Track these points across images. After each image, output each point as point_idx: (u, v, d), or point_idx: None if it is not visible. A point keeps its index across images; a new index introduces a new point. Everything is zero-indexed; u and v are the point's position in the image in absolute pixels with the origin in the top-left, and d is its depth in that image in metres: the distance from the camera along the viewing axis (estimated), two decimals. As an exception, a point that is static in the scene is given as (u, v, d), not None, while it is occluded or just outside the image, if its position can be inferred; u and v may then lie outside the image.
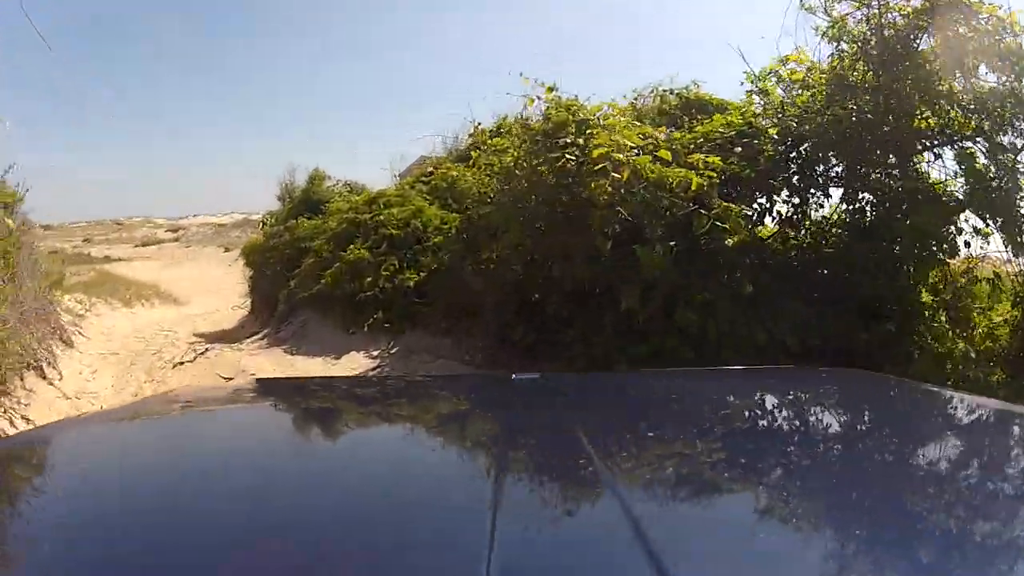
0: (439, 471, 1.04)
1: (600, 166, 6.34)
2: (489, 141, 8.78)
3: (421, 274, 8.19)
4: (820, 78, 7.04)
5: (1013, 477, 1.00)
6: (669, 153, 6.63)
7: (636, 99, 9.20)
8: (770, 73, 7.55)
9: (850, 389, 1.70)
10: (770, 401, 1.61)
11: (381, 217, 9.12)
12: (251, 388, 2.32)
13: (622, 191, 6.42)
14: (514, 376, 1.63)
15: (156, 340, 12.17)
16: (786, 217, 7.19)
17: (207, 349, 9.21)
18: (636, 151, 6.73)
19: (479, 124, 9.52)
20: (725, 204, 6.65)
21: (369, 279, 8.27)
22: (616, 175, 6.25)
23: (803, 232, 7.19)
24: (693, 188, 6.46)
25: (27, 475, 1.10)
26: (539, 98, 7.66)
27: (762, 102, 7.68)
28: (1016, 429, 1.29)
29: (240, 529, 0.80)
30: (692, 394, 1.64)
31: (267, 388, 2.12)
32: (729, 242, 6.67)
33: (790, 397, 1.64)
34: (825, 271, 6.84)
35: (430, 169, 11.66)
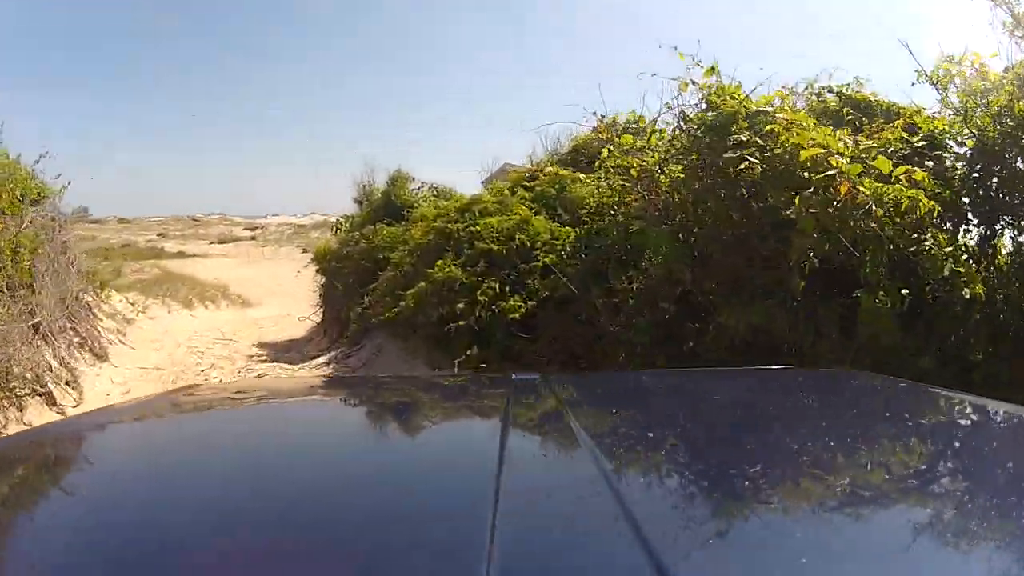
0: (438, 471, 1.02)
1: (822, 175, 4.59)
2: (617, 139, 7.06)
3: (529, 302, 6.41)
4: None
5: (1013, 477, 0.99)
6: (888, 163, 4.83)
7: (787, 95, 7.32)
8: (944, 73, 5.88)
9: (850, 389, 1.70)
10: (771, 401, 1.59)
11: (477, 228, 7.39)
12: (255, 387, 2.36)
13: (829, 210, 4.65)
14: (514, 376, 1.63)
15: (212, 350, 10.87)
16: (972, 251, 5.43)
17: (260, 375, 7.68)
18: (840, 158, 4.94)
19: (603, 117, 7.74)
20: (945, 237, 4.91)
21: (462, 304, 6.51)
22: (855, 189, 4.45)
23: (993, 271, 5.39)
24: (920, 213, 4.68)
25: (34, 472, 1.10)
26: (693, 82, 6.00)
27: (963, 105, 5.78)
28: (1017, 429, 1.27)
29: (240, 527, 0.79)
30: (693, 394, 1.66)
31: (270, 386, 2.34)
32: (967, 293, 4.79)
33: (791, 397, 1.64)
34: (1003, 316, 5.11)
35: (528, 173, 9.98)
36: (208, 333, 12.27)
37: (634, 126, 6.94)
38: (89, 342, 7.38)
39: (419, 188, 11.94)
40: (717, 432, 1.28)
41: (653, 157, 6.18)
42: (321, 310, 12.24)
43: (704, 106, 5.80)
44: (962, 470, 1.06)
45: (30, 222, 6.45)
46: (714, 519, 0.84)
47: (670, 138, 6.30)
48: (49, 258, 6.60)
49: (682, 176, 5.89)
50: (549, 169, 8.93)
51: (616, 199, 6.97)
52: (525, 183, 9.09)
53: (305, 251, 25.20)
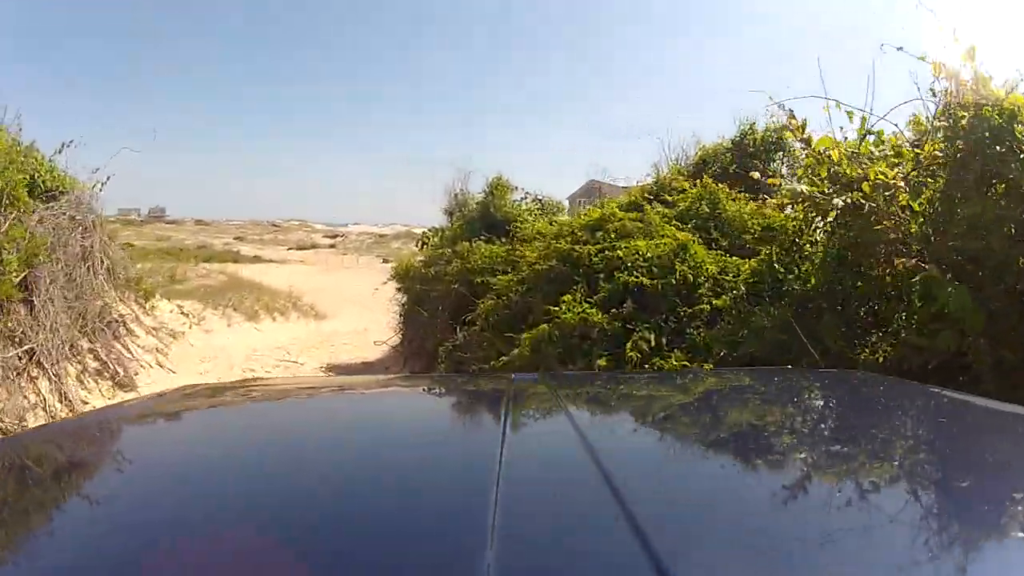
0: (438, 470, 1.01)
1: None
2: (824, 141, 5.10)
3: (703, 363, 4.47)
4: None
5: (1013, 477, 0.97)
6: None
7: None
8: None
9: (851, 389, 1.67)
10: (771, 401, 1.56)
11: (619, 253, 5.52)
12: (255, 386, 2.31)
13: None
14: (514, 376, 1.64)
15: (272, 376, 9.31)
16: None
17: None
18: None
19: (792, 112, 5.79)
20: None
21: (603, 361, 4.64)
22: None
23: None
24: None
25: (39, 469, 1.09)
26: (943, 67, 4.16)
27: None
28: (1017, 429, 1.25)
29: (238, 525, 0.77)
30: (693, 394, 1.66)
31: (271, 385, 2.30)
32: None
33: (791, 397, 1.61)
34: None
35: (652, 185, 8.08)
36: (271, 352, 10.77)
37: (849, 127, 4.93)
38: (111, 367, 5.83)
39: (522, 199, 10.17)
40: (718, 432, 1.26)
41: (885, 167, 4.23)
42: (401, 334, 10.61)
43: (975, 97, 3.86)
44: (963, 469, 1.02)
45: (39, 222, 4.90)
46: (715, 519, 0.81)
47: (914, 140, 4.36)
48: (61, 266, 5.07)
49: (939, 196, 3.95)
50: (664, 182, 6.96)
51: (804, 221, 5.06)
52: (666, 197, 7.20)
53: (386, 261, 24.06)
